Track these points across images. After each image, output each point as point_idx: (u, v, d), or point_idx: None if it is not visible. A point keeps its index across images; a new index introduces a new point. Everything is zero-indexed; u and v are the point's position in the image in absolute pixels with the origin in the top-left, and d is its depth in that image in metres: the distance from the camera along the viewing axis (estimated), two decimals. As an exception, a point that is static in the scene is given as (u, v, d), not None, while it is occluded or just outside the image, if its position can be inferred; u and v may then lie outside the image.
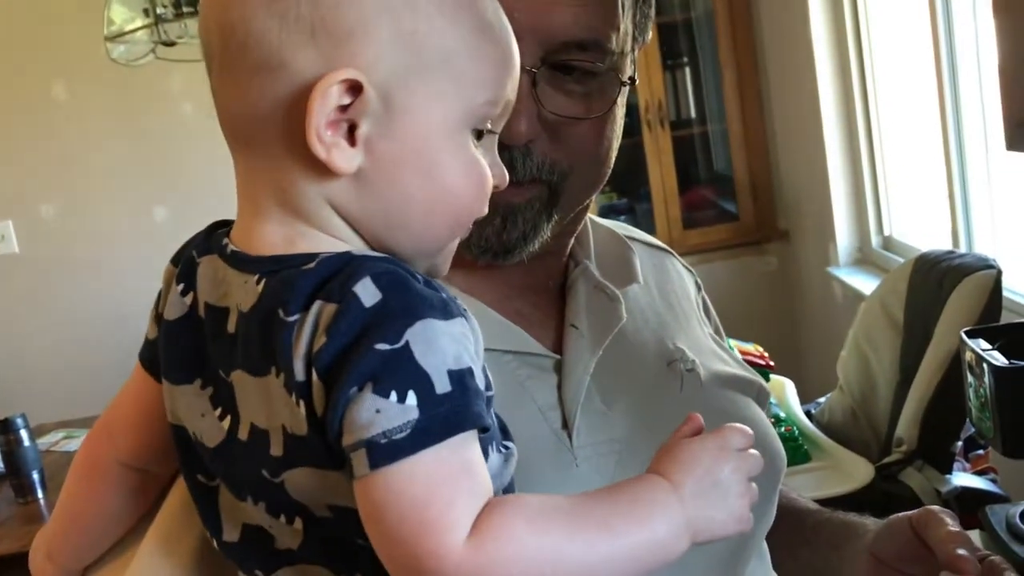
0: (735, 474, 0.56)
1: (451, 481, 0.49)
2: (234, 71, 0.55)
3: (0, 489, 2.29)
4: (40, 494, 2.25)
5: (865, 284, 2.83)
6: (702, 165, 4.05)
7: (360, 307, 0.49)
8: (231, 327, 0.55)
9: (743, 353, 2.17)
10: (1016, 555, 1.27)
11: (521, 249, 0.74)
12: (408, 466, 0.48)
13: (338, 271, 0.52)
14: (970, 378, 1.34)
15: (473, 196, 0.57)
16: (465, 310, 0.56)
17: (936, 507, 0.78)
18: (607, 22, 0.72)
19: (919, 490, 1.99)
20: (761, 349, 2.36)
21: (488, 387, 0.55)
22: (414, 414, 0.48)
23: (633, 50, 0.77)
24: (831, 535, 0.88)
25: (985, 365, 1.27)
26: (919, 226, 2.90)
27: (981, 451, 2.24)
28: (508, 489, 0.58)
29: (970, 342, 1.34)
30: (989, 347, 1.31)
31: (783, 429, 2.12)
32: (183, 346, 0.59)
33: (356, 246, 0.56)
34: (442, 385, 0.49)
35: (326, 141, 0.52)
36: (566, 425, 0.74)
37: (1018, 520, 1.33)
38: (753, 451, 0.58)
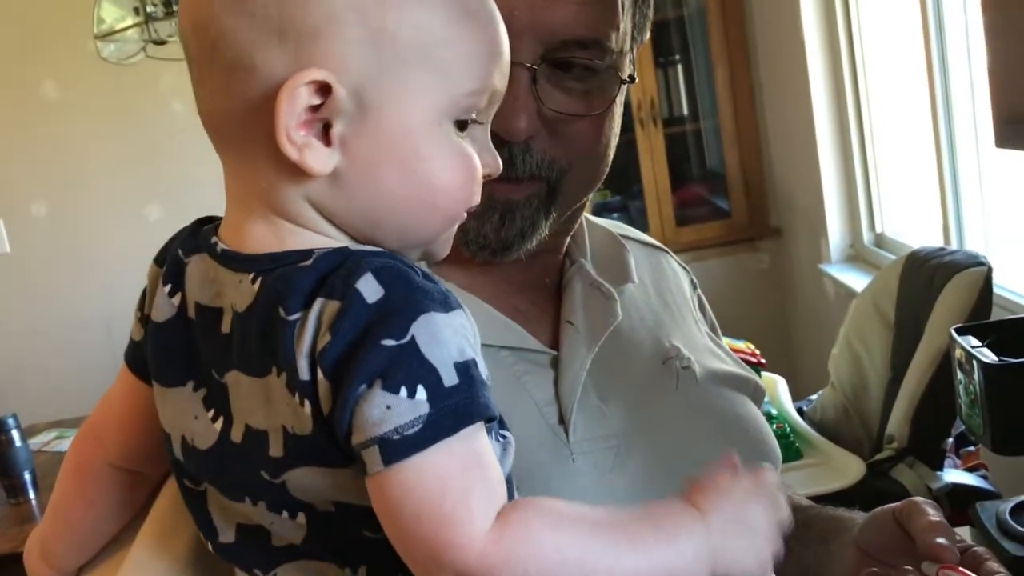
0: (765, 517, 0.56)
1: (466, 473, 0.49)
2: (209, 71, 0.54)
3: (-8, 490, 2.29)
4: (32, 495, 2.24)
5: (857, 281, 2.84)
6: (695, 162, 4.05)
7: (363, 303, 0.49)
8: (225, 327, 0.54)
9: (735, 351, 2.17)
10: (1006, 551, 1.28)
11: (519, 246, 0.74)
12: (422, 460, 0.48)
13: (337, 267, 0.51)
14: (960, 375, 1.35)
15: (459, 189, 0.56)
16: (460, 303, 0.56)
17: (919, 498, 0.79)
18: (607, 21, 0.72)
19: (910, 487, 1.99)
20: (752, 347, 2.36)
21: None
22: (425, 408, 0.48)
23: (632, 50, 0.78)
24: (820, 530, 0.88)
25: (975, 362, 1.28)
26: (911, 223, 2.91)
27: (972, 448, 2.24)
28: (507, 479, 0.58)
29: (960, 339, 1.34)
30: (979, 344, 1.31)
31: (775, 426, 2.12)
32: (173, 348, 0.58)
33: (345, 242, 0.55)
34: (450, 378, 0.49)
35: (297, 142, 0.52)
36: (563, 420, 0.74)
37: (1008, 517, 1.33)
38: (784, 504, 0.57)
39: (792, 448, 2.14)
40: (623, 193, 3.91)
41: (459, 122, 0.56)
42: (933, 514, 0.75)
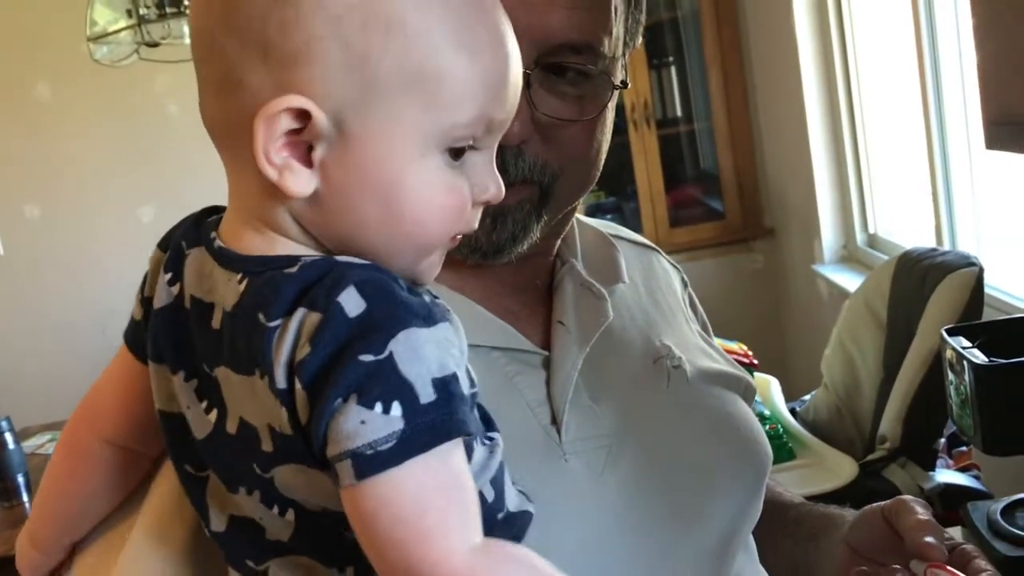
0: None
1: (442, 492, 0.49)
2: (206, 79, 0.55)
3: (-16, 492, 2.28)
4: (25, 497, 2.24)
5: (850, 282, 2.85)
6: (688, 164, 4.06)
7: (344, 317, 0.49)
8: (216, 323, 0.55)
9: (727, 351, 2.17)
10: (997, 551, 1.28)
11: (510, 250, 0.74)
12: (395, 476, 0.48)
13: (321, 277, 0.51)
14: (951, 375, 1.35)
15: (438, 223, 0.55)
16: (448, 311, 0.56)
17: (908, 496, 0.79)
18: (600, 26, 0.72)
19: (903, 487, 2.00)
20: (745, 348, 2.37)
21: (472, 384, 0.56)
22: (399, 424, 0.48)
23: (624, 55, 0.78)
24: (811, 527, 0.89)
25: (965, 363, 1.28)
26: (903, 224, 2.92)
27: (964, 448, 2.25)
28: (497, 478, 0.59)
29: (950, 340, 1.35)
30: (969, 345, 1.32)
31: (768, 427, 2.13)
32: (169, 335, 0.59)
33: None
34: (426, 395, 0.49)
35: (277, 164, 0.52)
36: (555, 421, 0.74)
37: (999, 517, 1.34)
38: None
39: (785, 448, 2.14)
40: (617, 194, 3.91)
41: (452, 150, 0.54)
42: (921, 512, 0.76)
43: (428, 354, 0.49)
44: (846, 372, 2.34)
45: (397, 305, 0.50)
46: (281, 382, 0.50)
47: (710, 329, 0.96)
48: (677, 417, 0.80)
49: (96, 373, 0.69)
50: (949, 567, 0.71)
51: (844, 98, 2.99)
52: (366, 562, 0.51)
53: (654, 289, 0.90)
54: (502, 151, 0.69)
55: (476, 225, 0.58)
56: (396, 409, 0.48)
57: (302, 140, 0.52)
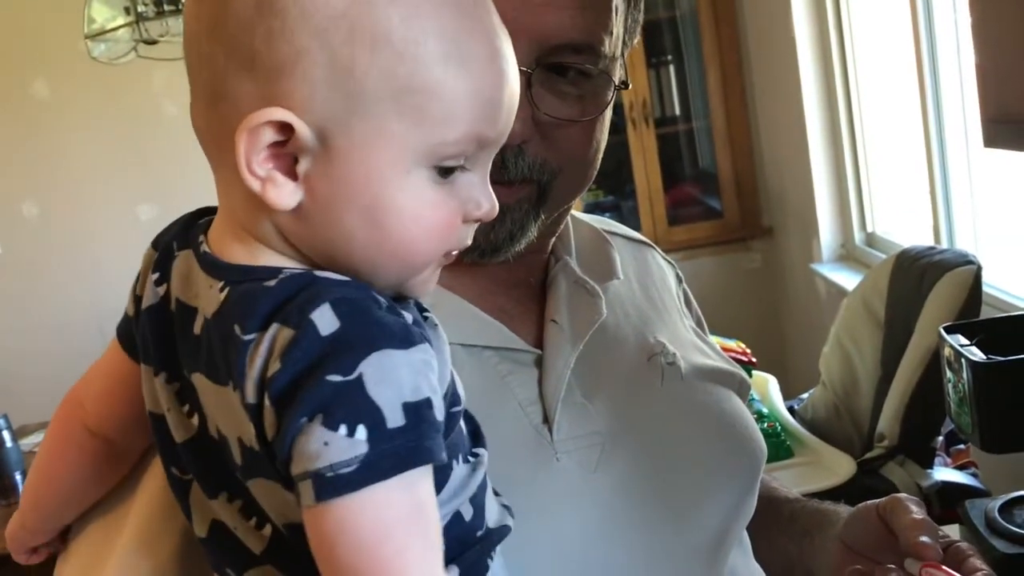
0: None
1: (404, 522, 0.48)
2: (196, 87, 0.54)
3: (-18, 490, 2.28)
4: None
5: (848, 280, 2.85)
6: (687, 162, 4.06)
7: (316, 335, 0.48)
8: (197, 329, 0.54)
9: (725, 350, 2.17)
10: (995, 549, 1.28)
11: (508, 248, 0.74)
12: (356, 501, 0.47)
13: (298, 292, 0.50)
14: (949, 374, 1.35)
15: (424, 241, 0.54)
16: (434, 326, 0.55)
17: (903, 495, 0.79)
18: (601, 25, 0.72)
19: (901, 485, 2.00)
20: (743, 346, 2.37)
21: (455, 403, 0.55)
22: (362, 448, 0.46)
23: (623, 54, 0.78)
24: (805, 523, 0.89)
25: (963, 361, 1.28)
26: (901, 223, 2.93)
27: (962, 446, 2.25)
28: (477, 495, 0.58)
29: (948, 338, 1.35)
30: (967, 343, 1.32)
31: (766, 425, 2.13)
32: (153, 336, 0.58)
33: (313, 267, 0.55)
34: (395, 419, 0.47)
35: (260, 176, 0.51)
36: (546, 420, 0.74)
37: (997, 514, 1.34)
38: None
39: (783, 447, 2.14)
40: (615, 193, 3.91)
41: (440, 168, 0.53)
42: (916, 511, 0.76)
43: (400, 377, 0.48)
44: (844, 370, 2.34)
45: (372, 325, 0.49)
46: (251, 396, 0.49)
47: (705, 325, 0.96)
48: (671, 414, 0.80)
49: (94, 371, 0.69)
50: (944, 566, 0.71)
51: (842, 97, 2.99)
52: None
53: (648, 285, 0.90)
54: (502, 150, 0.69)
55: (469, 241, 0.57)
56: (361, 432, 0.47)
57: (287, 152, 0.51)
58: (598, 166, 0.79)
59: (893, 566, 0.74)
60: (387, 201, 0.52)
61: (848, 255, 3.13)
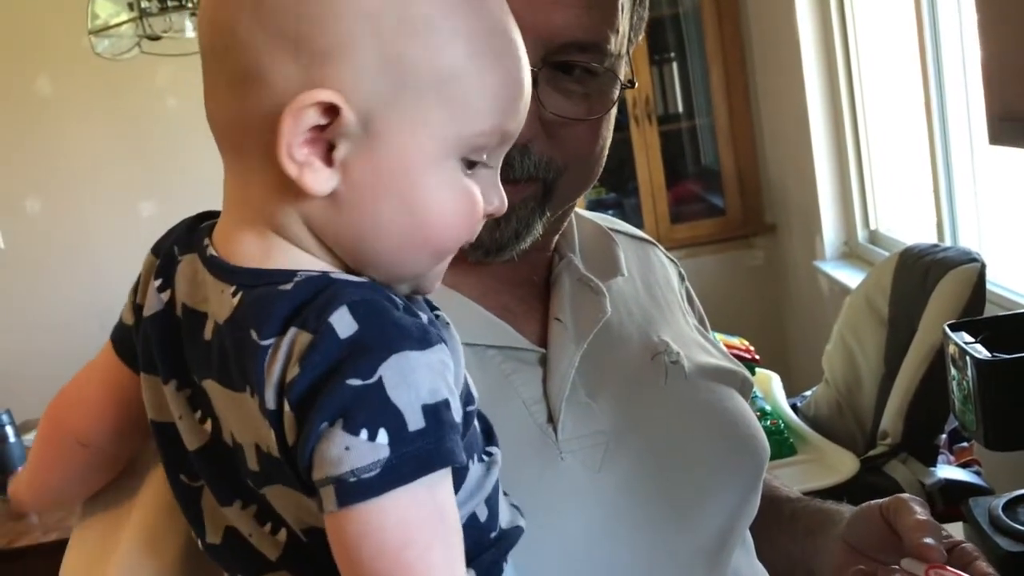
0: None
1: (426, 526, 0.48)
2: (220, 74, 0.53)
3: (-16, 486, 2.28)
4: (26, 490, 2.24)
5: (851, 278, 2.85)
6: (689, 160, 4.06)
7: (335, 339, 0.48)
8: (207, 334, 0.54)
9: (729, 347, 2.18)
10: (999, 547, 1.28)
11: (513, 247, 0.74)
12: (378, 506, 0.47)
13: (315, 295, 0.50)
14: (953, 371, 1.35)
15: (455, 228, 0.54)
16: (446, 324, 0.55)
17: (906, 495, 0.79)
18: (607, 23, 0.72)
19: (904, 483, 2.00)
20: (747, 343, 2.37)
21: (469, 402, 0.55)
22: (384, 452, 0.46)
23: (628, 52, 0.77)
24: (807, 522, 0.89)
25: (968, 358, 1.28)
26: (905, 220, 2.92)
27: (965, 444, 2.25)
28: (491, 496, 0.58)
29: (953, 335, 1.34)
30: (972, 340, 1.31)
31: (769, 422, 2.13)
32: (159, 344, 0.57)
33: (332, 265, 0.54)
34: (415, 422, 0.47)
35: (298, 160, 0.50)
36: (551, 419, 0.74)
37: (1001, 512, 1.34)
38: None
39: (786, 444, 2.14)
40: (618, 190, 3.91)
41: (467, 160, 0.54)
42: (920, 512, 0.76)
43: (419, 379, 0.48)
44: (847, 368, 2.34)
45: (390, 327, 0.49)
46: (271, 403, 0.49)
47: (707, 323, 0.96)
48: (675, 413, 0.80)
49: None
50: (950, 567, 0.71)
51: (846, 94, 2.99)
52: None
53: (651, 284, 0.90)
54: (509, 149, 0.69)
55: (475, 237, 0.57)
56: (382, 436, 0.47)
57: (324, 138, 0.51)
58: (603, 164, 0.79)
59: (897, 567, 0.74)
60: (422, 189, 0.52)
61: (851, 252, 3.13)
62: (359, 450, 0.46)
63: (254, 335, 0.50)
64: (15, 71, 3.50)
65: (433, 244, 0.54)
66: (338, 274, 0.53)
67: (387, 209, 0.52)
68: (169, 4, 2.50)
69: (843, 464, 2.06)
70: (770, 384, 2.39)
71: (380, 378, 0.47)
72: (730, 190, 3.72)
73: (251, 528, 0.55)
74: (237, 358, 0.51)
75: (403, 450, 0.47)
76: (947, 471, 2.08)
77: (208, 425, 0.55)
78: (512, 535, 0.60)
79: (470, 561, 0.54)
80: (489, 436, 0.60)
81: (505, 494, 0.62)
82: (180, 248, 0.58)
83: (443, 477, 0.49)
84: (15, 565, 1.96)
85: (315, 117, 0.50)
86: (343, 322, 0.48)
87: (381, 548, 0.47)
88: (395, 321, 0.49)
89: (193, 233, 0.58)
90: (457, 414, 0.50)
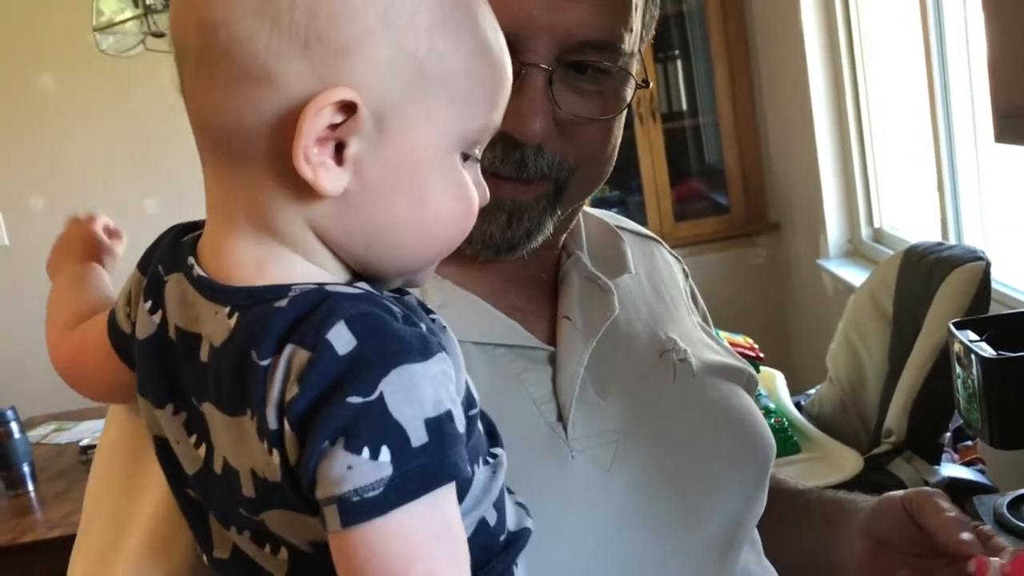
0: None
1: (431, 543, 0.47)
2: (213, 76, 0.51)
3: (-10, 482, 2.29)
4: (31, 487, 2.25)
5: (855, 276, 2.84)
6: (693, 158, 4.05)
7: (333, 356, 0.47)
8: (204, 356, 0.52)
9: (733, 345, 2.17)
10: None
11: (524, 246, 0.74)
12: (382, 525, 0.46)
13: (312, 310, 0.49)
14: (958, 369, 1.35)
15: (460, 220, 0.54)
16: (443, 328, 0.55)
17: (928, 489, 0.79)
18: (621, 22, 0.72)
19: (908, 481, 2.00)
20: (751, 341, 2.37)
21: (471, 406, 0.54)
22: (387, 471, 0.45)
23: (639, 50, 0.77)
24: (823, 513, 0.88)
25: (973, 356, 1.28)
26: (909, 218, 2.92)
27: (969, 442, 2.25)
28: (499, 500, 0.57)
29: (958, 333, 1.34)
30: (977, 338, 1.32)
31: (773, 421, 2.13)
32: (154, 367, 0.56)
33: (333, 270, 0.53)
34: (418, 437, 0.46)
35: (313, 161, 0.49)
36: (561, 418, 0.74)
37: (1006, 510, 1.34)
38: None
39: (790, 442, 2.14)
40: (622, 188, 3.91)
41: (463, 155, 0.54)
42: (947, 507, 0.76)
43: (421, 393, 0.47)
44: (851, 366, 2.34)
45: (389, 340, 0.48)
46: (272, 422, 0.48)
47: (710, 321, 0.96)
48: (683, 411, 0.80)
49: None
50: (988, 557, 0.71)
51: (850, 92, 2.98)
52: None
53: (657, 281, 0.90)
54: (522, 148, 0.69)
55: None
56: (384, 454, 0.46)
57: (334, 137, 0.50)
58: (614, 163, 0.79)
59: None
60: (433, 182, 0.53)
61: (855, 251, 3.13)
62: (361, 469, 0.45)
63: (253, 355, 0.49)
64: (19, 68, 3.50)
65: (440, 237, 0.54)
66: (334, 286, 0.52)
67: (399, 205, 0.52)
68: (173, 1, 2.50)
69: (847, 462, 2.06)
70: (774, 382, 2.39)
71: (381, 394, 0.46)
72: (734, 188, 3.71)
73: (253, 551, 0.55)
74: (237, 381, 0.50)
75: (406, 467, 0.46)
76: (951, 469, 2.08)
77: (202, 450, 0.54)
78: (520, 538, 0.59)
79: (480, 568, 0.54)
80: (493, 437, 0.59)
81: (510, 492, 0.62)
82: (164, 268, 0.57)
83: (447, 491, 0.48)
84: (19, 561, 1.97)
85: (331, 116, 0.49)
86: (341, 338, 0.47)
87: (387, 567, 0.46)
88: (394, 334, 0.48)
89: (176, 250, 0.57)
90: (460, 423, 0.49)
